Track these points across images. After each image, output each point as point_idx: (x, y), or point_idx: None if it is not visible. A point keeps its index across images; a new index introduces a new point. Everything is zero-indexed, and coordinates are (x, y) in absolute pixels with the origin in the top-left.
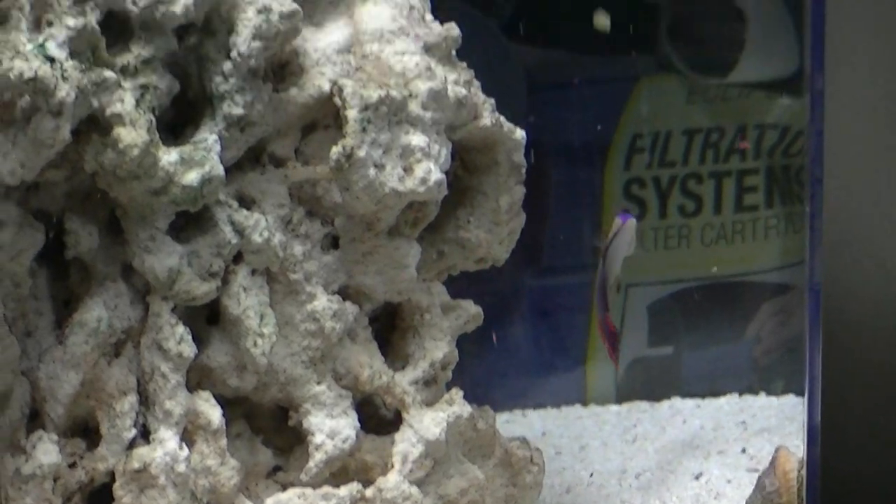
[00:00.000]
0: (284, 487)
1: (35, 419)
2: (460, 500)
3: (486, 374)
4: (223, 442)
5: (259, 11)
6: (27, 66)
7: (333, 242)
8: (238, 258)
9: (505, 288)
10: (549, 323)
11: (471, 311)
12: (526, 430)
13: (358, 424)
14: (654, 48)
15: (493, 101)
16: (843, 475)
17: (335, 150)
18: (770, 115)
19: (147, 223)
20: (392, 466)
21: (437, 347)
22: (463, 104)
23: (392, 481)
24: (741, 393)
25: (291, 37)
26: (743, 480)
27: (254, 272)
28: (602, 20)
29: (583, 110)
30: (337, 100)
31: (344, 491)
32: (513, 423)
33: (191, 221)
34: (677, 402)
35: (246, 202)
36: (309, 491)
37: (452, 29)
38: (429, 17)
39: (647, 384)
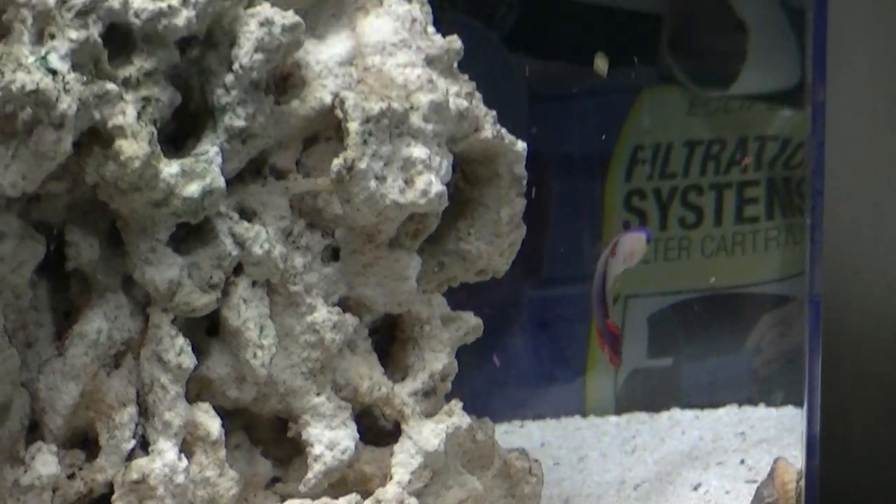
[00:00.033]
0: (283, 499)
1: (34, 430)
2: None
3: (485, 385)
4: (222, 453)
5: (261, 24)
6: (29, 78)
7: (334, 254)
8: (238, 270)
9: (505, 299)
10: (548, 334)
11: (471, 323)
12: (525, 441)
13: (357, 435)
14: (655, 60)
15: (494, 113)
16: (842, 486)
17: (336, 163)
18: (771, 126)
19: (148, 235)
20: (391, 478)
21: (436, 359)
22: (464, 116)
23: (391, 492)
24: (741, 404)
25: (293, 49)
26: (742, 491)
27: (254, 284)
28: (601, 64)
29: (584, 122)
30: (338, 112)
31: (343, 502)
32: (512, 434)
33: (191, 233)
34: (676, 413)
35: (247, 214)
36: (308, 502)
37: (454, 41)
38: (431, 29)
39: (647, 395)
